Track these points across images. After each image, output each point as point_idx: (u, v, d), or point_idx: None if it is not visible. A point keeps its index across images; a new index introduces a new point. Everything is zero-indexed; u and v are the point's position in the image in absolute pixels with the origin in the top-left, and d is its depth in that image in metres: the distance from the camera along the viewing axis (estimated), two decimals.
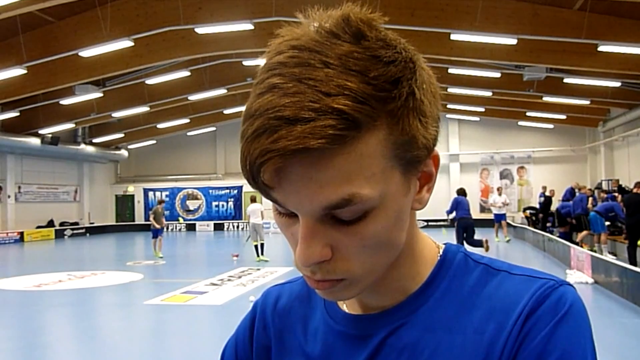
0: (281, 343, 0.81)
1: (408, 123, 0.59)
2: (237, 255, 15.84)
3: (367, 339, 0.71)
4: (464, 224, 14.18)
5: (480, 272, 0.70)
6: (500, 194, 20.91)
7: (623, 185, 18.34)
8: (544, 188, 21.50)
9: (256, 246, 15.23)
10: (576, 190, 18.02)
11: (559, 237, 15.70)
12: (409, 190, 0.63)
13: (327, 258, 0.60)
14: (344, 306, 0.76)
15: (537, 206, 22.13)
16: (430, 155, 0.65)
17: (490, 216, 28.59)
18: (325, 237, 0.60)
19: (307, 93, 0.53)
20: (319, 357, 0.75)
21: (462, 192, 14.47)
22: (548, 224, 19.12)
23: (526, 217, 22.76)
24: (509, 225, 24.82)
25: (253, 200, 15.59)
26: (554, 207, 19.85)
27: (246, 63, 19.42)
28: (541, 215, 19.55)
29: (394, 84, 0.57)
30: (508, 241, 19.41)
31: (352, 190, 0.56)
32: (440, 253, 0.74)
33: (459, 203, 14.22)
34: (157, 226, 16.91)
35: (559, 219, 17.17)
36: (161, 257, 16.64)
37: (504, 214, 20.59)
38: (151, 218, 17.10)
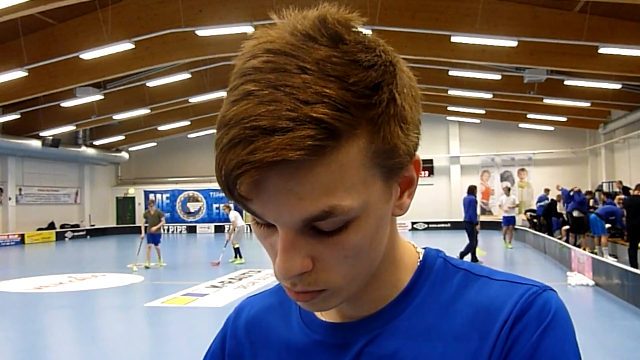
0: (255, 357, 0.79)
1: (389, 130, 0.56)
2: (217, 264, 15.04)
3: (345, 347, 0.70)
4: (464, 227, 13.90)
5: (461, 278, 0.69)
6: (508, 195, 18.86)
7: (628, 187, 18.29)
8: (547, 191, 21.44)
9: (236, 249, 15.57)
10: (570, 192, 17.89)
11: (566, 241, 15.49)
12: (390, 197, 0.62)
13: (307, 269, 0.58)
14: (321, 315, 0.74)
15: (535, 208, 22.04)
16: (412, 161, 0.63)
17: (492, 218, 28.68)
18: (305, 249, 0.57)
19: (284, 101, 0.51)
20: None
21: (468, 190, 13.92)
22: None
23: (527, 220, 22.74)
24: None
25: (230, 208, 16.25)
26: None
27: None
28: (561, 220, 18.27)
29: (374, 90, 0.55)
30: (510, 248, 18.35)
31: (333, 202, 0.54)
32: (420, 258, 0.73)
33: (462, 203, 13.89)
34: (152, 231, 14.82)
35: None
36: (147, 267, 14.62)
37: (513, 217, 18.82)
38: (142, 223, 15.11)
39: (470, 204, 13.66)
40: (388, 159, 0.58)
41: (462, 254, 13.42)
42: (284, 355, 0.75)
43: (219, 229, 32.02)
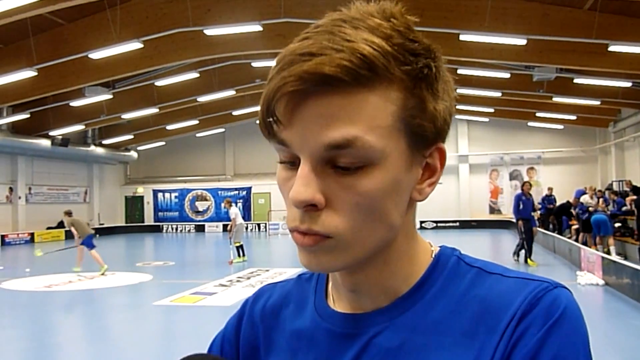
0: (269, 342, 0.81)
1: (420, 89, 0.62)
2: (231, 262, 15.15)
3: (354, 337, 0.71)
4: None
5: (473, 275, 0.69)
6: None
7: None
8: (550, 189, 21.26)
9: (239, 247, 15.51)
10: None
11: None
12: (411, 170, 0.65)
13: (318, 203, 0.61)
14: (334, 304, 0.76)
15: (540, 207, 21.82)
16: (437, 145, 0.67)
17: (500, 217, 28.59)
18: (321, 184, 0.61)
19: (335, 40, 0.59)
20: (305, 355, 0.75)
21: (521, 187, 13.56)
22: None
23: (537, 219, 22.60)
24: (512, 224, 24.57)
25: (231, 204, 16.17)
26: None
27: (255, 64, 19.44)
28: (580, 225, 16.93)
29: (414, 56, 0.62)
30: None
31: (356, 133, 0.59)
32: (434, 255, 0.73)
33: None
34: (78, 235, 13.72)
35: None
36: (78, 271, 13.87)
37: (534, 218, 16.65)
38: (72, 229, 13.83)
39: (514, 200, 13.33)
40: (414, 117, 0.62)
41: (527, 250, 13.34)
42: (294, 342, 0.77)
43: (226, 228, 32.09)
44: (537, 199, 27.31)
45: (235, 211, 15.52)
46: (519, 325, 0.61)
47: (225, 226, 31.83)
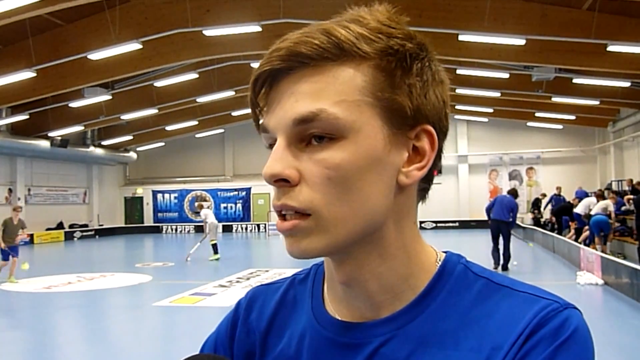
0: (265, 349, 0.78)
1: (389, 64, 0.63)
2: (188, 256, 16.58)
3: (357, 348, 0.68)
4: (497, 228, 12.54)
5: (481, 287, 0.67)
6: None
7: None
8: (543, 195, 21.29)
9: (214, 245, 16.56)
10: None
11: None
12: (392, 150, 0.64)
13: (289, 177, 0.62)
14: (333, 312, 0.73)
15: (545, 207, 21.84)
16: (422, 126, 0.66)
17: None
18: (295, 161, 0.63)
19: (319, 29, 0.64)
20: None
21: (511, 192, 13.10)
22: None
23: (533, 218, 22.62)
24: (517, 226, 24.63)
25: (202, 206, 17.80)
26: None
27: (254, 65, 19.32)
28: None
29: (387, 37, 0.64)
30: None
31: (321, 106, 0.61)
32: (440, 261, 0.71)
33: (500, 203, 12.79)
34: (3, 245, 12.33)
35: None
36: (17, 282, 12.42)
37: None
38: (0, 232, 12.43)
39: (516, 207, 12.66)
40: (385, 92, 0.63)
41: (508, 259, 12.38)
42: (292, 349, 0.75)
43: (226, 229, 32.01)
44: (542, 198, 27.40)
45: (205, 212, 16.81)
46: (525, 343, 0.60)
47: (224, 227, 31.84)
